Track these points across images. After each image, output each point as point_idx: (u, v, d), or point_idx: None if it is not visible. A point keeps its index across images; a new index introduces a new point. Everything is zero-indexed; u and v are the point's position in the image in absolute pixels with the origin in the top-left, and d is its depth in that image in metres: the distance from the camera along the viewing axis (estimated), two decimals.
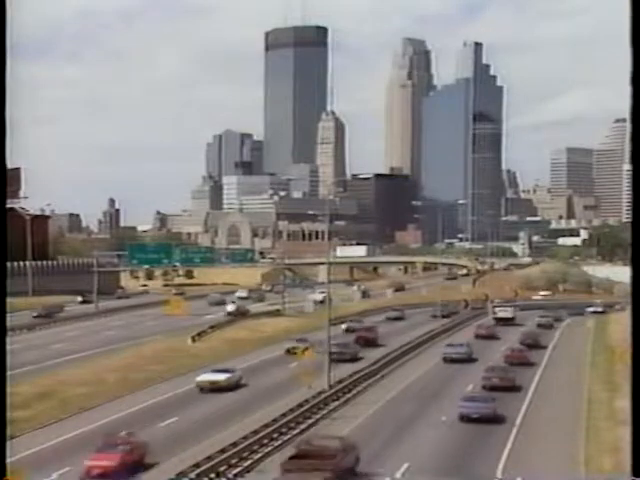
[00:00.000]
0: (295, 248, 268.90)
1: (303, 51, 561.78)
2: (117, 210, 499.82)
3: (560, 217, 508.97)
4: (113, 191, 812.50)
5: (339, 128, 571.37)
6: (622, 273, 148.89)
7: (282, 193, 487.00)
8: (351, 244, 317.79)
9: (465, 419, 48.30)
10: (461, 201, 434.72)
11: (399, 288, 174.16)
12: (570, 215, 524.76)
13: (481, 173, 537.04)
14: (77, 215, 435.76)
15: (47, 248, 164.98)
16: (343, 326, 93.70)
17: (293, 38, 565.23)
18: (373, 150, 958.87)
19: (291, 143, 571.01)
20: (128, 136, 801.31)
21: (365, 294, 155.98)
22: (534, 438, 45.16)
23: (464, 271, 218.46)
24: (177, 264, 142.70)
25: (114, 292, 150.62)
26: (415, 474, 37.70)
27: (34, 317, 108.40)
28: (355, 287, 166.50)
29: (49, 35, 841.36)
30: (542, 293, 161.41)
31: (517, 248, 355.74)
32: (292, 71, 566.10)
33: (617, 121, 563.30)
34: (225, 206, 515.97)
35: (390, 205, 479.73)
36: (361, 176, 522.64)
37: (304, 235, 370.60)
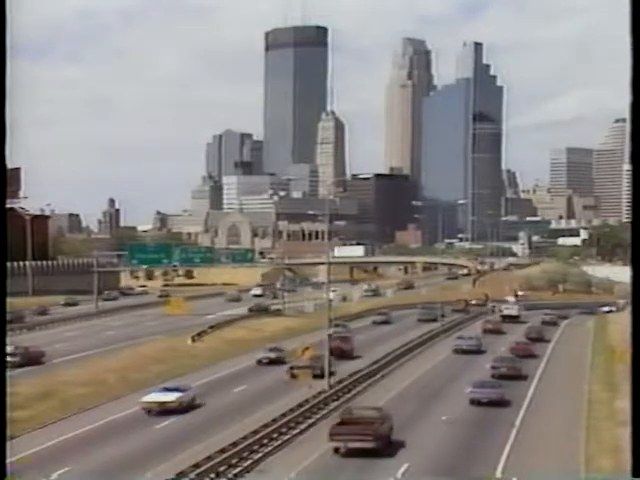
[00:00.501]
0: (295, 248, 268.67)
1: (303, 51, 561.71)
2: (117, 210, 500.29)
3: (560, 217, 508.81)
4: (113, 191, 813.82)
5: (339, 128, 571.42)
6: (622, 273, 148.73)
7: (282, 193, 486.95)
8: (351, 244, 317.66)
9: (475, 403, 52.49)
10: (461, 201, 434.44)
11: (408, 286, 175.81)
12: (570, 215, 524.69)
13: (481, 173, 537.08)
14: (77, 215, 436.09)
15: (47, 248, 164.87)
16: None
17: (293, 38, 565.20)
18: (373, 150, 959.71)
19: (291, 143, 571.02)
20: (128, 136, 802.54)
21: (375, 293, 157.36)
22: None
23: (465, 271, 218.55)
24: (177, 264, 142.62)
25: (112, 291, 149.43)
26: (414, 474, 37.70)
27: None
28: (366, 286, 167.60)
29: (49, 35, 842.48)
30: (519, 293, 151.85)
31: (517, 248, 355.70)
32: (292, 71, 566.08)
33: (617, 121, 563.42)
34: (225, 206, 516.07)
35: (390, 205, 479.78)
36: (361, 176, 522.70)
37: (304, 235, 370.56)
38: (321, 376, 57.37)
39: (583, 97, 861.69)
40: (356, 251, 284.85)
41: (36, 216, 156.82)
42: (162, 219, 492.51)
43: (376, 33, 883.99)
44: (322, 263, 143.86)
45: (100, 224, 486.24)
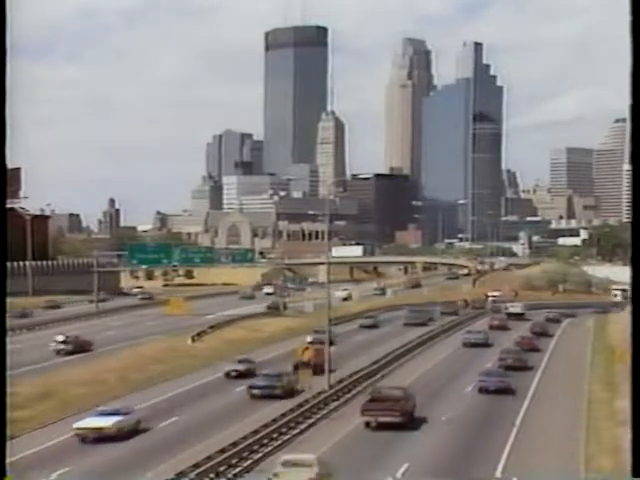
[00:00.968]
0: (295, 248, 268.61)
1: (303, 51, 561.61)
2: (117, 210, 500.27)
3: (560, 217, 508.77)
4: (113, 191, 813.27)
5: (339, 128, 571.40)
6: (622, 273, 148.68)
7: (282, 193, 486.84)
8: (351, 244, 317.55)
9: (484, 391, 55.96)
10: (461, 201, 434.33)
11: (415, 285, 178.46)
12: (570, 215, 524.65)
13: (481, 173, 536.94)
14: (77, 215, 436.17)
15: (47, 248, 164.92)
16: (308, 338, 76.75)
17: (293, 38, 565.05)
18: (373, 150, 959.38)
19: (291, 143, 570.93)
20: (128, 136, 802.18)
21: (383, 292, 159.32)
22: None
23: (465, 271, 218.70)
24: (177, 264, 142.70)
25: (114, 291, 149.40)
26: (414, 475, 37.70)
27: None
28: (375, 284, 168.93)
29: (49, 35, 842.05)
30: (495, 293, 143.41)
31: (517, 248, 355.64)
32: (292, 71, 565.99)
33: (617, 121, 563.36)
34: (225, 206, 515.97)
35: (390, 205, 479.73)
36: (361, 176, 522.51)
37: (304, 235, 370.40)
38: (279, 397, 53.83)
39: (583, 97, 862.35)
40: (354, 251, 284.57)
41: (36, 216, 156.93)
42: (162, 219, 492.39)
43: (376, 33, 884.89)
44: (322, 263, 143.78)
45: (100, 224, 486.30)
